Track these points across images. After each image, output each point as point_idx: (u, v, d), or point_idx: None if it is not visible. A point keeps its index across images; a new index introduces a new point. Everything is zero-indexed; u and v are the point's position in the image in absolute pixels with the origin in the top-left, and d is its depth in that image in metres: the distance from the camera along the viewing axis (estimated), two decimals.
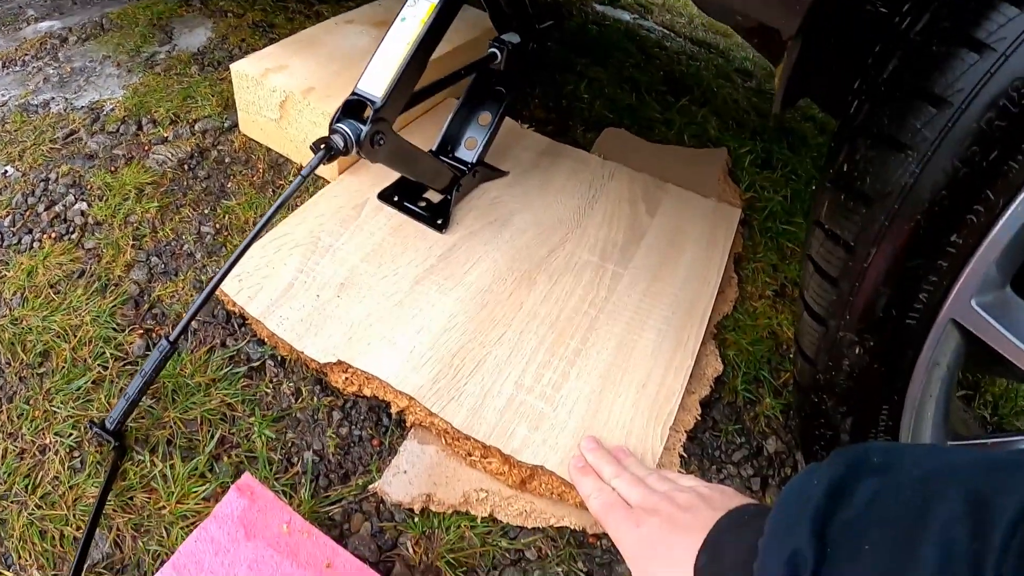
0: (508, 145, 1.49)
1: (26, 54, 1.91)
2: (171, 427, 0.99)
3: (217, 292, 1.11)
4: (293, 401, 1.04)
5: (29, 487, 0.92)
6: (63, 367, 1.05)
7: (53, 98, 1.68)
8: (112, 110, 1.61)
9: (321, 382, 1.07)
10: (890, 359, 0.80)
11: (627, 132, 1.69)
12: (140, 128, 1.55)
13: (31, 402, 1.01)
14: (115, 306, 1.14)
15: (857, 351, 0.81)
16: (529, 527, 0.95)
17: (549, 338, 1.09)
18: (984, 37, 0.67)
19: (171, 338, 0.92)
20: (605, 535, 0.93)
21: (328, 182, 1.38)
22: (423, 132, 1.44)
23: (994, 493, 0.37)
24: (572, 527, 0.95)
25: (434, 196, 1.31)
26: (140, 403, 0.95)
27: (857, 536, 0.42)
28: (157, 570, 0.80)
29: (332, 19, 1.65)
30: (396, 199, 1.29)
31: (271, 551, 0.82)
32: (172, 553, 0.82)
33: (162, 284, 1.19)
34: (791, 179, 1.69)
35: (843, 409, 0.87)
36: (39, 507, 0.90)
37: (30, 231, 1.29)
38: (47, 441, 0.97)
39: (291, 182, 1.40)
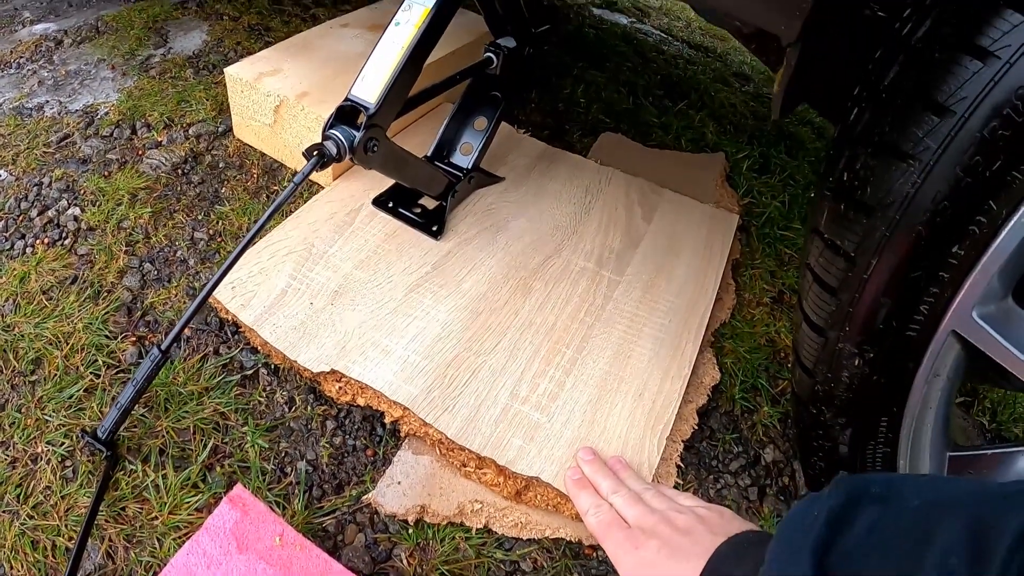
0: (504, 150, 1.48)
1: (21, 56, 1.90)
2: (164, 436, 0.98)
3: (210, 299, 1.10)
4: (287, 410, 1.03)
5: (21, 496, 0.91)
6: (55, 375, 1.05)
7: (47, 101, 1.67)
8: (106, 114, 1.60)
9: (315, 391, 1.06)
10: (890, 370, 0.79)
11: (624, 137, 1.68)
12: (134, 132, 1.54)
13: (23, 410, 1.00)
14: (108, 313, 1.14)
15: (857, 362, 0.80)
16: (524, 539, 0.95)
17: (545, 347, 1.08)
18: (988, 44, 0.66)
19: (163, 347, 0.91)
20: (601, 547, 0.92)
21: (322, 188, 1.37)
22: (418, 136, 1.43)
23: (992, 521, 0.37)
24: (568, 539, 0.94)
25: (429, 202, 1.30)
26: (132, 412, 0.95)
27: (857, 565, 0.42)
28: None
29: (327, 23, 1.64)
30: (391, 205, 1.28)
31: (263, 564, 0.82)
32: (164, 565, 0.81)
33: (155, 291, 1.18)
34: (789, 184, 1.68)
35: (842, 420, 0.86)
36: (31, 517, 0.89)
37: (23, 236, 1.28)
38: (39, 450, 0.96)
39: (285, 188, 1.39)
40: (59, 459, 0.95)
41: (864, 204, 0.75)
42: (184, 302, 1.16)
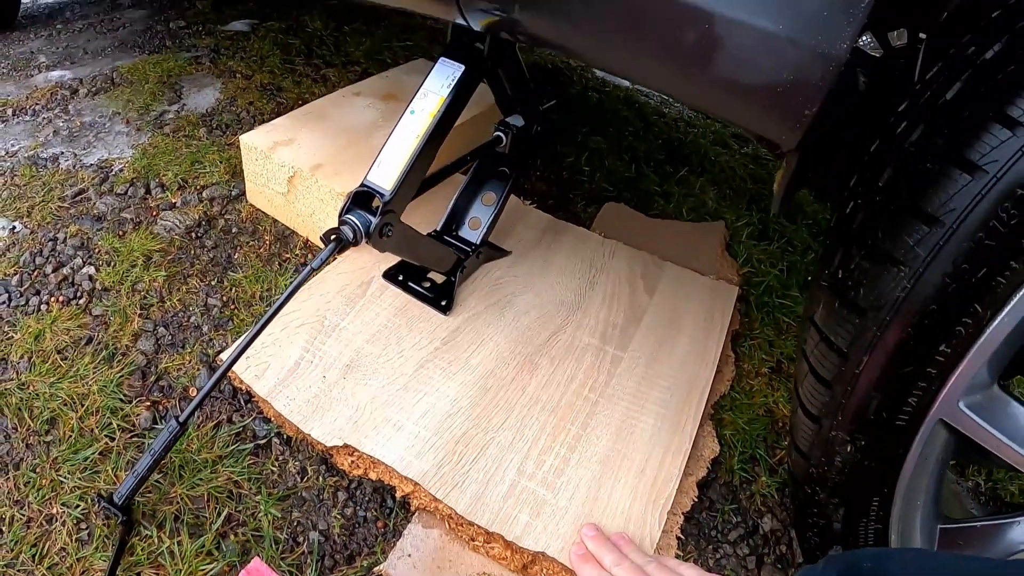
0: (511, 222, 1.54)
1: (36, 103, 1.96)
2: (178, 503, 1.02)
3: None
4: (299, 480, 1.08)
5: (36, 557, 0.94)
6: (70, 436, 1.08)
7: (62, 152, 1.73)
8: (121, 171, 1.66)
9: (326, 461, 1.10)
10: (881, 456, 0.83)
11: (627, 207, 1.74)
12: (148, 192, 1.59)
13: (38, 470, 1.04)
14: (122, 376, 1.18)
15: (849, 448, 0.85)
16: None
17: (551, 424, 1.12)
18: (976, 159, 0.72)
19: (181, 419, 0.95)
20: None
21: (333, 257, 1.42)
22: (428, 205, 1.48)
23: None
24: None
25: (438, 276, 1.35)
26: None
27: None
28: None
29: (340, 91, 1.71)
30: (401, 279, 1.33)
31: None
32: None
33: (169, 356, 1.23)
34: (788, 250, 1.73)
35: (835, 500, 0.91)
36: None
37: (38, 292, 1.32)
38: (54, 511, 0.99)
39: (296, 255, 1.45)
40: (74, 521, 0.98)
41: (857, 305, 0.81)
42: (198, 369, 1.20)
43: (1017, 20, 0.77)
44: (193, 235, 1.49)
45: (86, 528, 0.98)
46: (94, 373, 1.18)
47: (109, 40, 2.41)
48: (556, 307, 1.34)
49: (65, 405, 1.12)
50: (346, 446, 1.05)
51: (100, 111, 1.92)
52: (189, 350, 1.24)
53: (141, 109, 1.92)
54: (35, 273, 1.37)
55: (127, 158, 1.71)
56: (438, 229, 1.37)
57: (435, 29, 2.65)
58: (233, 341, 1.24)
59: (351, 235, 1.01)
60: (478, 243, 1.36)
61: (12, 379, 1.16)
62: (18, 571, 0.93)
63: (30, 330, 1.24)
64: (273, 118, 1.76)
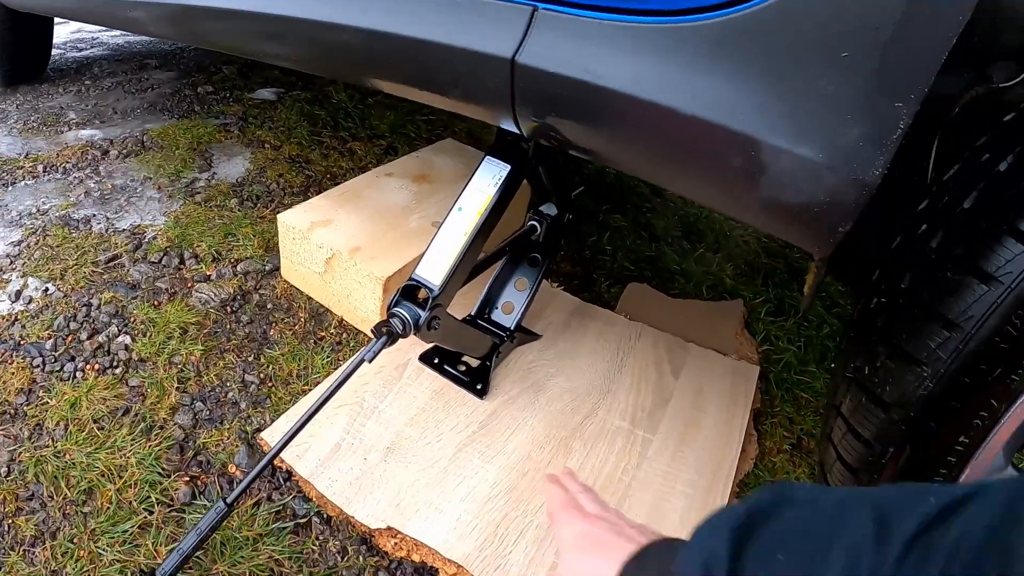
0: (540, 305, 1.58)
1: (67, 161, 2.02)
2: None
3: (264, 447, 1.20)
4: (339, 560, 1.10)
5: None
6: (108, 507, 1.11)
7: (94, 215, 1.78)
8: (154, 238, 1.71)
9: (367, 541, 1.12)
10: None
11: (649, 288, 1.80)
12: (182, 262, 1.65)
13: (75, 540, 1.06)
14: (160, 449, 1.21)
15: None
16: None
17: None
18: (992, 270, 0.79)
19: (229, 500, 0.99)
20: None
21: (368, 337, 1.47)
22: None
23: (900, 511, 0.43)
24: None
25: (472, 359, 1.39)
26: None
27: (773, 544, 0.49)
28: None
29: (372, 171, 1.76)
30: (436, 361, 1.38)
31: None
32: None
33: (207, 431, 1.26)
34: (803, 325, 1.77)
35: None
36: None
37: (72, 359, 1.36)
38: None
39: (331, 334, 1.49)
40: None
41: (883, 400, 0.87)
42: (237, 446, 1.24)
43: None
44: (228, 309, 1.53)
45: None
46: (132, 445, 1.21)
47: (138, 101, 2.49)
48: (587, 391, 1.38)
49: (103, 476, 1.15)
50: (389, 528, 1.08)
51: (131, 174, 1.98)
52: (227, 426, 1.27)
53: (172, 175, 1.99)
54: (69, 338, 1.41)
55: (160, 225, 1.77)
56: (472, 314, 1.42)
57: None
58: (272, 419, 1.27)
59: (400, 328, 1.06)
60: (512, 328, 1.40)
61: (48, 446, 1.19)
62: None
63: (65, 397, 1.27)
64: (303, 191, 1.83)
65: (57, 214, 1.78)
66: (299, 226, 1.48)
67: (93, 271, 1.59)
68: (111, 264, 1.62)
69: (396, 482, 1.15)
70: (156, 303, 1.52)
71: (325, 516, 1.15)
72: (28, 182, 1.93)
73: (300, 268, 1.55)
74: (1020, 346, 0.77)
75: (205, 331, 1.46)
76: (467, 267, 1.13)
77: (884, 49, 0.69)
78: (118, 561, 1.04)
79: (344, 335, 1.49)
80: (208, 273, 1.62)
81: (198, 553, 1.06)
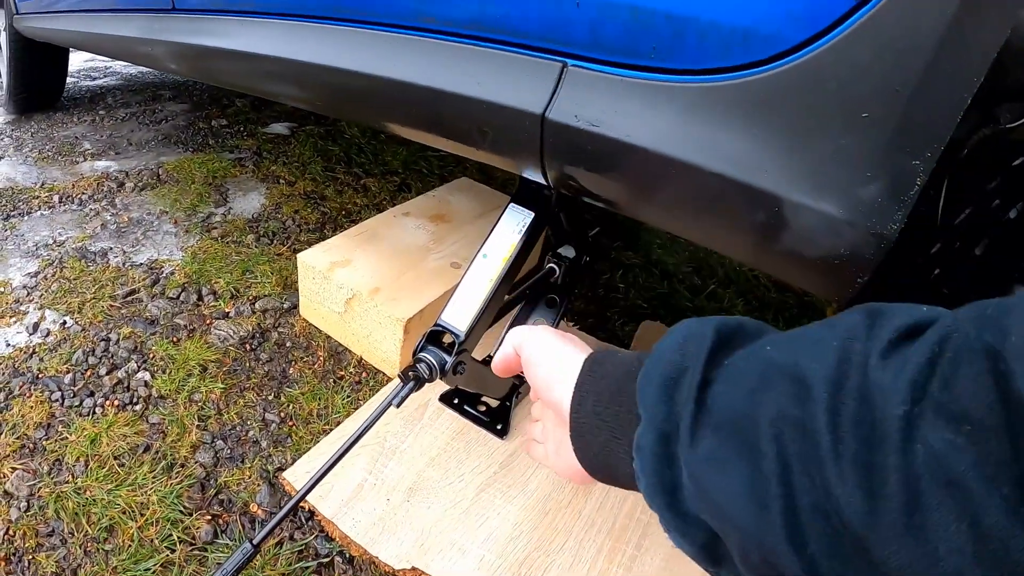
0: None
1: (83, 193, 2.05)
2: None
3: (286, 486, 1.22)
4: None
5: None
6: (130, 545, 1.12)
7: (111, 248, 1.80)
8: (172, 273, 1.74)
9: None
10: None
11: (662, 325, 1.82)
12: (200, 298, 1.67)
13: None
14: (181, 487, 1.22)
15: None
16: None
17: (607, 545, 1.17)
18: None
19: (255, 541, 1.00)
20: None
21: (388, 377, 1.50)
22: None
23: (893, 311, 0.43)
24: None
25: (492, 399, 1.41)
26: None
27: (759, 340, 0.48)
28: None
29: (390, 211, 1.79)
30: (456, 402, 1.40)
31: None
32: None
33: (228, 470, 1.28)
34: None
35: None
36: None
37: (92, 394, 1.38)
38: None
39: (350, 373, 1.51)
40: None
41: None
42: (259, 485, 1.26)
43: None
44: (248, 347, 1.55)
45: None
46: (153, 482, 1.22)
47: (153, 133, 2.54)
48: None
49: (124, 513, 1.16)
50: (414, 569, 1.10)
51: (147, 208, 2.02)
52: (248, 465, 1.29)
53: (188, 210, 2.02)
54: (88, 373, 1.43)
55: (177, 260, 1.79)
56: (492, 355, 1.44)
57: None
58: (293, 458, 1.29)
59: (427, 373, 1.08)
60: None
61: (68, 482, 1.21)
62: None
63: (85, 433, 1.29)
64: (318, 228, 1.86)
65: (74, 246, 1.81)
66: (319, 266, 1.51)
67: (111, 305, 1.61)
68: (129, 299, 1.65)
69: (419, 522, 1.16)
70: (175, 339, 1.54)
71: (348, 556, 1.17)
72: (44, 212, 1.96)
73: (319, 307, 1.58)
74: None
75: (225, 369, 1.48)
76: (492, 312, 1.15)
77: (903, 109, 0.71)
78: None
79: (364, 374, 1.52)
80: (227, 310, 1.64)
81: None
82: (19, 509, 1.17)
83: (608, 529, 1.20)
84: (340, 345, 1.60)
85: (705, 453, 0.46)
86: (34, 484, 1.20)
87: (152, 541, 1.14)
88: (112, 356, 1.48)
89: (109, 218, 1.95)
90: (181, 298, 1.67)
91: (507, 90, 0.93)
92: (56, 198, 2.03)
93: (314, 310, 1.60)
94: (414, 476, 1.24)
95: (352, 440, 1.02)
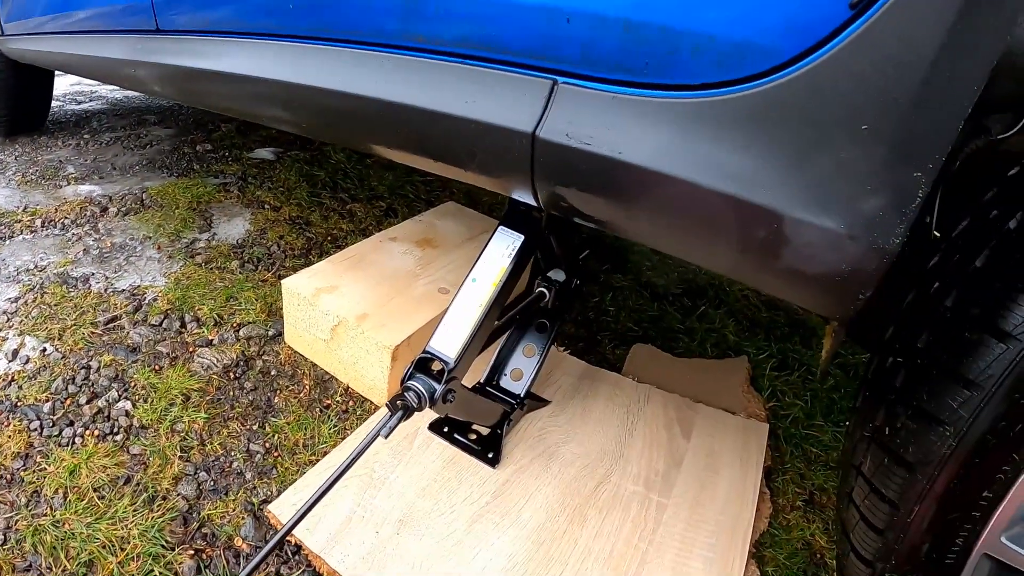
0: (547, 370, 1.56)
1: (66, 217, 2.00)
2: None
3: (271, 519, 1.16)
4: None
5: None
6: None
7: (93, 274, 1.75)
8: (154, 300, 1.68)
9: None
10: None
11: (654, 348, 1.78)
12: (183, 326, 1.62)
13: None
14: (163, 521, 1.16)
15: None
16: None
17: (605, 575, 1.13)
18: (1010, 329, 0.78)
19: None
20: None
21: (375, 406, 1.45)
22: None
23: None
24: None
25: (483, 427, 1.36)
26: None
27: None
28: None
29: (376, 236, 1.75)
30: (446, 430, 1.35)
31: None
32: None
33: (211, 502, 1.22)
34: (808, 379, 1.76)
35: None
36: None
37: (71, 423, 1.32)
38: None
39: (337, 402, 1.46)
40: None
41: (906, 461, 0.86)
42: (243, 518, 1.20)
43: None
44: (231, 375, 1.50)
45: None
46: (134, 516, 1.17)
47: (137, 157, 2.49)
48: (599, 456, 1.35)
49: (104, 548, 1.11)
50: None
51: (130, 233, 1.96)
52: (232, 497, 1.24)
53: (172, 235, 1.97)
54: (68, 402, 1.37)
55: (160, 287, 1.74)
56: (481, 381, 1.40)
57: None
58: (278, 490, 1.24)
59: (416, 401, 1.03)
60: (522, 395, 1.37)
61: (46, 515, 1.15)
62: None
63: (64, 464, 1.23)
64: (304, 254, 1.82)
65: (55, 271, 1.76)
66: (304, 292, 1.46)
67: (92, 332, 1.56)
68: (110, 326, 1.60)
69: (410, 555, 1.11)
70: (157, 367, 1.49)
71: None
72: (26, 236, 1.91)
73: (305, 334, 1.53)
74: None
75: (208, 398, 1.43)
76: (482, 338, 1.11)
77: (903, 120, 0.69)
78: None
79: (350, 403, 1.47)
80: (210, 337, 1.59)
81: None
82: None
83: (605, 557, 1.16)
84: (326, 374, 1.54)
85: None
86: (11, 516, 1.15)
87: None
88: (92, 384, 1.42)
89: (92, 243, 1.90)
90: (164, 325, 1.61)
91: (496, 108, 0.89)
92: (38, 222, 1.98)
93: (299, 337, 1.55)
94: (404, 507, 1.19)
95: (340, 471, 0.97)
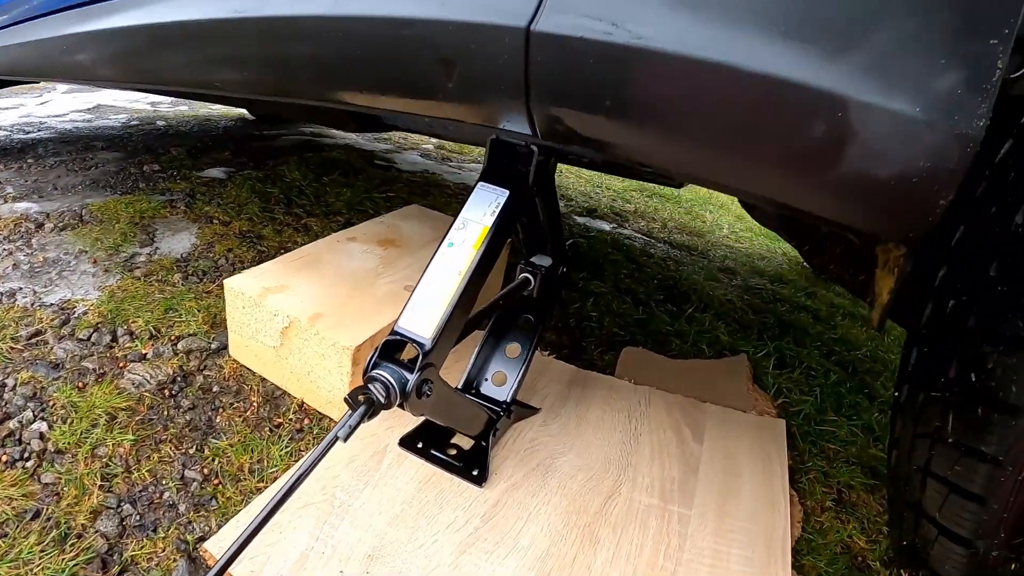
0: (531, 376, 1.30)
1: None
2: None
3: (208, 560, 0.89)
4: None
5: None
6: None
7: (20, 288, 1.47)
8: (84, 313, 1.40)
9: None
10: None
11: (646, 351, 1.55)
12: (115, 339, 1.34)
13: None
14: (77, 564, 0.88)
15: (1013, 567, 0.76)
16: None
17: None
18: None
19: None
20: None
21: (335, 421, 1.16)
22: None
23: None
24: None
25: (463, 440, 1.09)
26: None
27: None
28: None
29: (333, 235, 1.48)
30: (421, 446, 1.07)
31: None
32: None
33: (137, 541, 0.93)
34: (811, 375, 1.62)
35: None
36: None
37: None
38: None
39: (290, 420, 1.18)
40: None
41: (1008, 404, 0.71)
42: (175, 559, 0.91)
43: None
44: (167, 392, 1.22)
45: None
46: (41, 558, 0.88)
47: (81, 178, 2.22)
48: (604, 466, 1.10)
49: None
50: None
51: (66, 247, 1.69)
52: (163, 534, 0.95)
53: (111, 249, 1.70)
54: None
55: (92, 300, 1.46)
56: (459, 387, 1.13)
57: (413, 181, 2.54)
58: (218, 524, 0.96)
59: (383, 395, 0.76)
60: (508, 401, 1.11)
61: None
62: None
63: None
64: (254, 266, 1.57)
65: None
66: (250, 292, 1.19)
67: (11, 348, 1.28)
68: (33, 341, 1.32)
69: None
70: (81, 385, 1.21)
71: None
72: None
73: (251, 343, 1.24)
74: None
75: (138, 418, 1.15)
76: (463, 316, 0.85)
77: None
78: None
79: (306, 421, 1.19)
80: (144, 352, 1.31)
81: None
82: None
83: None
84: (277, 388, 1.26)
85: None
86: None
87: None
88: (5, 404, 1.15)
89: (23, 258, 1.63)
90: (92, 339, 1.33)
91: (478, 3, 0.66)
92: None
93: (245, 347, 1.27)
94: (374, 539, 0.91)
95: (284, 491, 0.71)
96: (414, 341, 0.80)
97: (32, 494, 0.98)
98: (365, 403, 0.74)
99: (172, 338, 1.35)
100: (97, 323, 1.37)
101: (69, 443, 1.07)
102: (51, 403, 1.15)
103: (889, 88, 0.57)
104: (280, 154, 2.64)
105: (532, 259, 1.13)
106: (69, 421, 1.12)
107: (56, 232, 1.77)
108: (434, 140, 3.53)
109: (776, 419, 1.32)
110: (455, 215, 0.89)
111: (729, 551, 0.98)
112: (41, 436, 1.08)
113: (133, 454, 1.08)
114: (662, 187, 3.56)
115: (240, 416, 1.18)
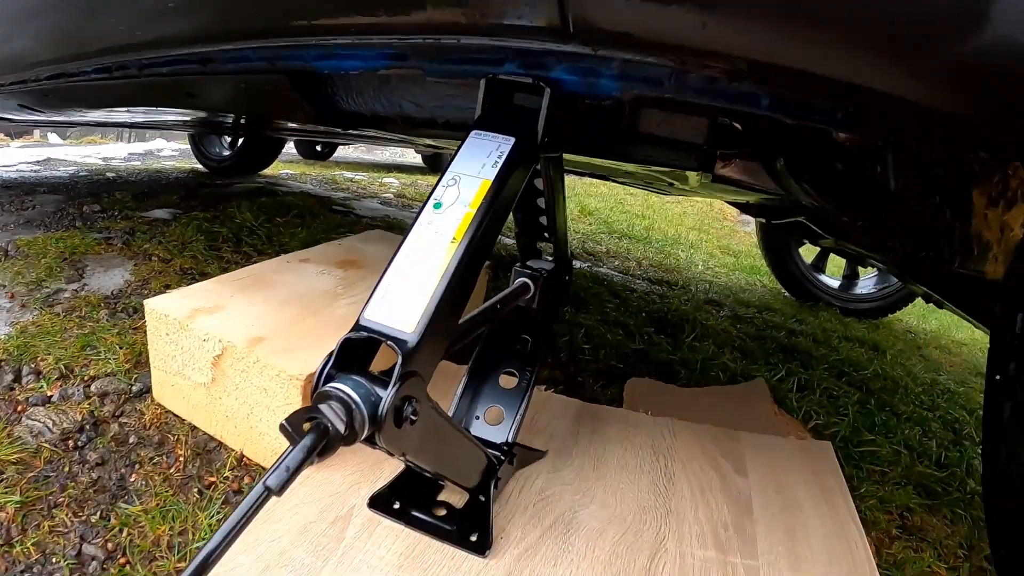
0: (530, 413, 0.98)
1: None
2: None
3: None
4: None
5: None
6: None
7: None
8: None
9: None
10: None
11: (654, 381, 1.30)
12: (17, 380, 1.03)
13: None
14: None
15: None
16: None
17: None
18: None
19: None
20: None
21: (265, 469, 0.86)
22: None
23: None
24: None
25: (454, 495, 0.79)
26: None
27: None
28: None
29: (283, 256, 1.21)
30: (399, 506, 0.76)
31: None
32: None
33: None
34: (831, 396, 1.45)
35: None
36: None
37: None
38: None
39: (225, 479, 0.88)
40: None
41: None
42: None
43: None
44: (71, 443, 0.90)
45: None
46: None
47: (14, 218, 1.92)
48: (638, 516, 0.81)
49: None
50: None
51: None
52: None
53: (32, 284, 1.39)
54: None
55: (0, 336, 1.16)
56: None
57: (374, 225, 2.27)
58: None
59: (343, 420, 0.47)
60: (509, 441, 0.82)
61: None
62: None
63: None
64: None
65: None
66: (175, 314, 0.89)
67: None
68: None
69: None
70: None
71: None
72: None
73: (178, 380, 0.94)
74: None
75: (30, 474, 0.84)
76: (457, 305, 0.56)
77: None
78: None
79: (246, 479, 0.89)
80: (49, 394, 1.00)
81: None
82: None
83: None
84: (211, 438, 0.95)
85: None
86: None
87: None
88: None
89: None
90: None
91: None
92: None
93: (171, 387, 0.96)
94: None
95: (199, 563, 0.42)
96: (389, 339, 0.51)
97: None
98: (312, 433, 0.45)
99: (86, 378, 1.05)
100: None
101: None
102: None
103: None
104: (232, 199, 2.35)
105: (530, 263, 0.87)
106: None
107: None
108: (393, 189, 3.29)
109: (823, 442, 1.07)
110: (473, 122, 0.61)
111: None
112: None
113: (18, 521, 0.78)
114: (630, 228, 3.39)
115: (161, 474, 0.88)
